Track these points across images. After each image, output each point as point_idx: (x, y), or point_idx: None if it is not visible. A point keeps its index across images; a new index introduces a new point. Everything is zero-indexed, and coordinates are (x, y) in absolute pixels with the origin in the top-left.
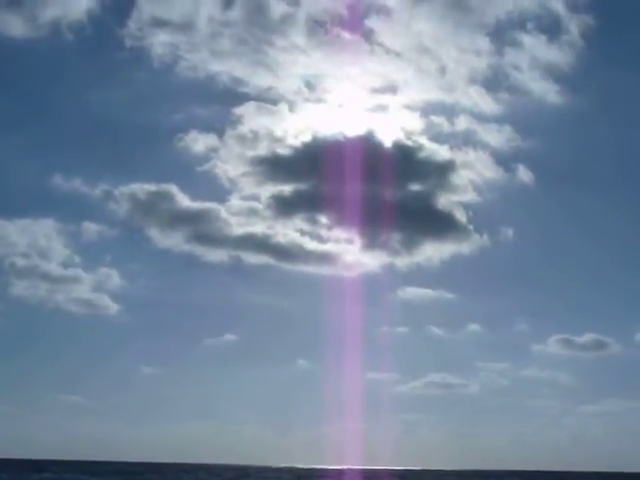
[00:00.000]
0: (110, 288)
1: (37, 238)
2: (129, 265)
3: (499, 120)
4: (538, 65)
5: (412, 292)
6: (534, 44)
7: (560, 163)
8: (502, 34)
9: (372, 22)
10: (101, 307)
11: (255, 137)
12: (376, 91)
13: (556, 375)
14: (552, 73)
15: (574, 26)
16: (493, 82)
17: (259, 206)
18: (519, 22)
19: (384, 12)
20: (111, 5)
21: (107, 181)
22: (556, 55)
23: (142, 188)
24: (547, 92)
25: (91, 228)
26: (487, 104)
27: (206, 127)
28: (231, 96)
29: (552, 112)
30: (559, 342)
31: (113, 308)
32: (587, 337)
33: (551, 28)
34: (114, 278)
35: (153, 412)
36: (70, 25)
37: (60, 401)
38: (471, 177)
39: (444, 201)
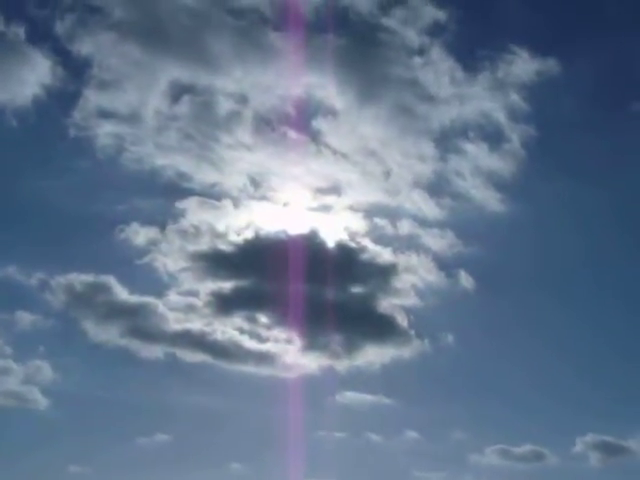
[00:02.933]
0: (41, 381)
1: None
2: (62, 358)
3: (442, 225)
4: (480, 173)
5: (351, 397)
6: (476, 152)
7: (500, 270)
8: (446, 141)
9: (319, 123)
10: (31, 401)
11: (197, 232)
12: (321, 191)
13: None
14: (493, 181)
15: (515, 136)
16: (436, 187)
17: (198, 302)
18: (462, 130)
19: (331, 113)
20: (57, 93)
21: (44, 270)
22: (497, 164)
23: (79, 278)
24: (488, 200)
25: (25, 318)
26: (430, 209)
27: (148, 220)
28: (175, 190)
29: (493, 219)
30: (496, 452)
31: (43, 403)
32: (524, 448)
33: (493, 137)
34: (46, 371)
35: None
36: (15, 111)
37: None
38: (413, 281)
39: (386, 304)
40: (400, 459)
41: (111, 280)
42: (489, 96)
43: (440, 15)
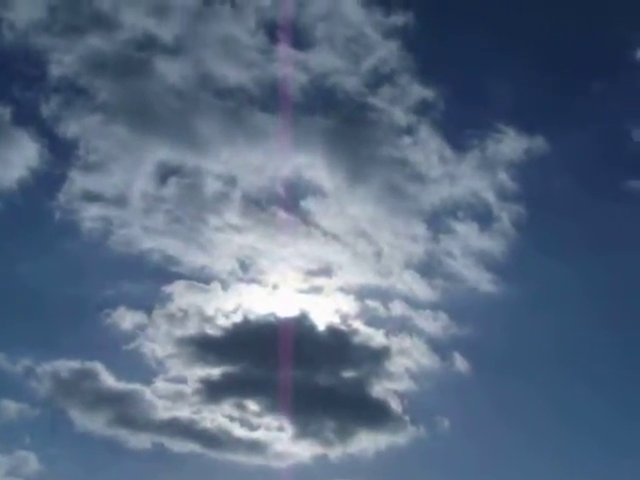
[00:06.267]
0: (27, 473)
1: None
2: (49, 449)
3: (434, 307)
4: (471, 253)
5: None
6: (467, 232)
7: (495, 352)
8: (437, 221)
9: (308, 203)
10: None
11: (185, 316)
12: (311, 273)
13: None
14: (485, 261)
15: (505, 215)
16: (428, 268)
17: (186, 389)
18: (452, 209)
19: (320, 194)
20: (43, 175)
21: (29, 356)
22: (488, 244)
23: (66, 365)
24: (480, 280)
25: (10, 407)
26: (422, 290)
27: (135, 304)
28: (162, 274)
29: (486, 300)
30: None
31: None
32: None
33: (482, 217)
34: (32, 462)
35: None
36: (1, 194)
37: None
38: (407, 365)
39: (379, 389)
40: None
41: (98, 366)
42: (478, 175)
43: (427, 93)
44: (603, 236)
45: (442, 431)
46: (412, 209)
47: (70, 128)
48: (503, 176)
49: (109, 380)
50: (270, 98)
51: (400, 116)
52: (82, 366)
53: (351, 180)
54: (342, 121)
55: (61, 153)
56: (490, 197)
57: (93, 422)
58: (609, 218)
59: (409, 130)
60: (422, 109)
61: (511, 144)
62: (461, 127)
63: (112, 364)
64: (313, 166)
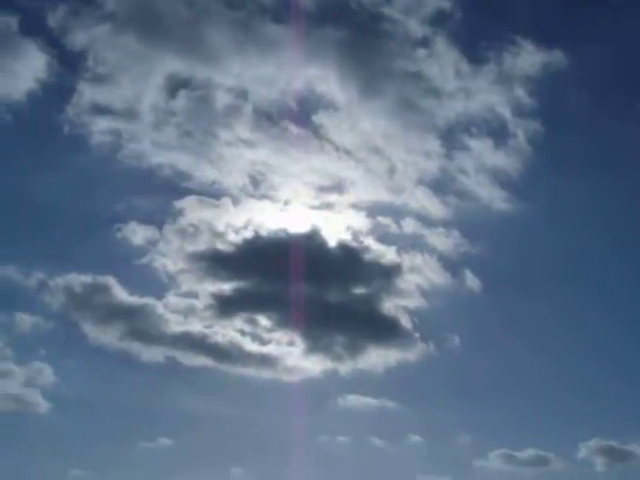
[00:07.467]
0: (42, 384)
1: None
2: (63, 361)
3: (446, 224)
4: (485, 170)
5: (354, 400)
6: (481, 148)
7: (506, 270)
8: (451, 137)
9: (320, 117)
10: (31, 404)
11: (196, 232)
12: (323, 189)
13: None
14: (499, 179)
15: (521, 131)
16: (441, 185)
17: (198, 304)
18: (467, 125)
19: (333, 107)
20: (51, 87)
21: (42, 270)
22: (503, 161)
23: (78, 279)
24: (494, 198)
25: (25, 319)
26: (435, 207)
27: (146, 219)
28: (173, 189)
29: (499, 218)
30: (500, 457)
31: (44, 406)
32: (528, 452)
33: (498, 133)
34: (47, 374)
35: None
36: (10, 106)
37: None
38: (418, 282)
39: (390, 306)
40: (404, 463)
41: (110, 280)
42: (494, 90)
43: (444, 3)
44: (618, 154)
45: (452, 348)
46: (426, 124)
47: (78, 39)
48: (520, 91)
49: (121, 294)
50: (282, 8)
51: (415, 27)
52: (94, 280)
53: (364, 94)
54: (355, 32)
55: (69, 64)
56: (506, 113)
57: (106, 335)
58: (625, 136)
59: (424, 42)
60: (438, 20)
61: (529, 58)
62: (478, 39)
63: (124, 278)
64: (325, 79)
